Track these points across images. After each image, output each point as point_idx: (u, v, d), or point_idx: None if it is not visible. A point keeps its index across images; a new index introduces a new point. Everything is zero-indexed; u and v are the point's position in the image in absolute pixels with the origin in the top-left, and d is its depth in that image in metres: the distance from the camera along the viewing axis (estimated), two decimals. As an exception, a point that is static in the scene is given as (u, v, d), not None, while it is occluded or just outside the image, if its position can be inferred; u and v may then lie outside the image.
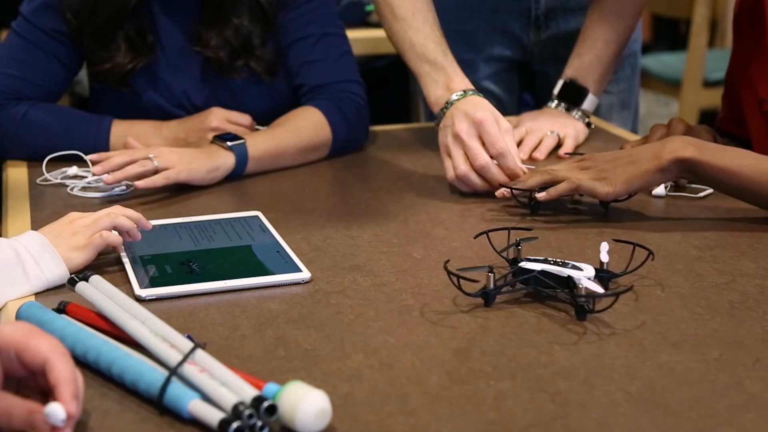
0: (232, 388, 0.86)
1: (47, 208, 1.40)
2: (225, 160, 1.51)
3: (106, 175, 1.42)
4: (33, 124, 1.60)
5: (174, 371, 0.88)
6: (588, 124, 1.74)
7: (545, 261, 1.11)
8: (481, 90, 1.62)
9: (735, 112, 1.54)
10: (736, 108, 1.53)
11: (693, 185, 1.46)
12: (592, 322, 1.04)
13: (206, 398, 0.86)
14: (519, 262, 1.13)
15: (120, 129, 1.62)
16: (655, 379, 0.92)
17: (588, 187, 1.31)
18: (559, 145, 1.68)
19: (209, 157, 1.49)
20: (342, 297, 1.11)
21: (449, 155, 1.45)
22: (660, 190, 1.44)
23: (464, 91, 1.50)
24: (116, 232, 1.19)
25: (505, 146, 1.42)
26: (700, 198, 1.43)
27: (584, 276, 1.07)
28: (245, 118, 1.63)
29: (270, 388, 0.86)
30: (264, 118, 1.67)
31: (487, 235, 1.21)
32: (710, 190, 1.44)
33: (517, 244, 1.17)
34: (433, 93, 1.52)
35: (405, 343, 1.00)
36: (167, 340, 0.93)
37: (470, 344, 1.00)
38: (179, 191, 1.49)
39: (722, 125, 1.60)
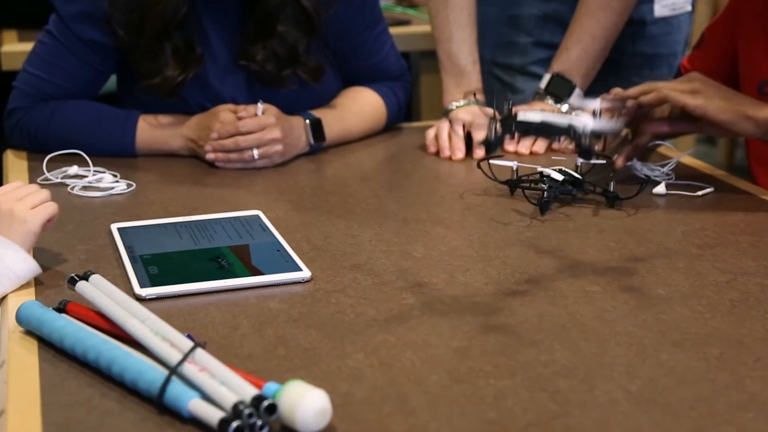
0: (232, 387, 0.86)
1: (48, 207, 1.40)
2: (303, 149, 1.65)
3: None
4: (61, 122, 1.61)
5: (174, 370, 0.88)
6: None
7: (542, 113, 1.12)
8: (530, 75, 1.93)
9: (703, 65, 1.58)
10: (709, 67, 1.56)
11: (692, 183, 1.46)
12: (592, 321, 1.04)
13: (206, 397, 0.86)
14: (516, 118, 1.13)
15: (146, 124, 1.63)
16: (655, 378, 0.92)
17: (675, 98, 1.35)
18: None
19: (296, 148, 1.63)
20: (342, 296, 1.11)
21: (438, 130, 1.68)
22: (661, 188, 1.44)
23: (477, 100, 1.73)
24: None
25: (479, 126, 1.65)
26: (700, 197, 1.43)
27: (585, 124, 1.06)
28: (251, 112, 1.60)
29: (270, 387, 0.86)
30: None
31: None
32: (710, 189, 1.44)
33: (509, 103, 1.21)
34: (452, 94, 1.75)
35: (405, 342, 1.00)
36: (167, 339, 0.93)
37: (470, 343, 1.00)
38: (179, 190, 1.49)
39: (691, 65, 1.64)
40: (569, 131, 1.06)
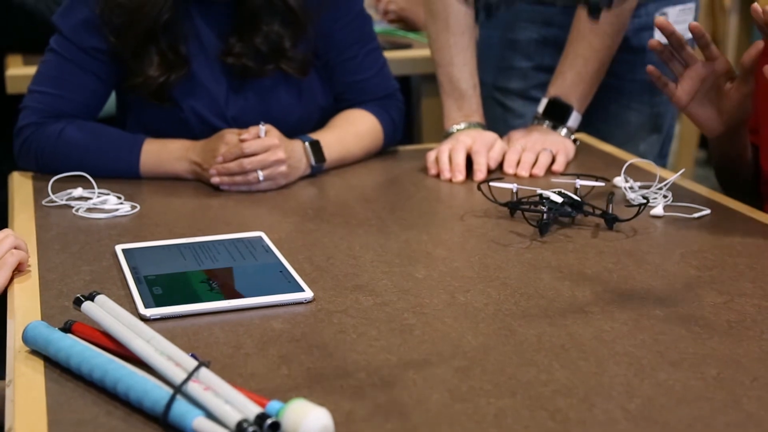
0: (236, 406, 0.87)
1: (53, 229, 1.41)
2: (305, 171, 1.66)
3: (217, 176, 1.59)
4: (68, 143, 1.63)
5: (179, 389, 0.89)
6: (574, 141, 1.77)
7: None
8: (530, 99, 1.96)
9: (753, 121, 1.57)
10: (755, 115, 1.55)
11: (690, 205, 1.48)
12: (591, 341, 1.05)
13: (210, 416, 0.87)
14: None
15: (151, 148, 1.64)
16: (653, 397, 0.94)
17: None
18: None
19: (298, 171, 1.64)
20: (344, 316, 1.12)
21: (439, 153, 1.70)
22: (659, 210, 1.45)
23: (478, 124, 1.76)
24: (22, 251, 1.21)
25: (479, 149, 1.67)
26: (697, 219, 1.44)
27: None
28: (253, 134, 1.62)
29: (273, 405, 0.87)
30: (298, 122, 1.72)
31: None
32: (707, 211, 1.45)
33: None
34: (453, 117, 1.77)
35: (406, 361, 1.01)
36: (172, 359, 0.94)
37: (471, 363, 1.01)
38: (183, 212, 1.51)
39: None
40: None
